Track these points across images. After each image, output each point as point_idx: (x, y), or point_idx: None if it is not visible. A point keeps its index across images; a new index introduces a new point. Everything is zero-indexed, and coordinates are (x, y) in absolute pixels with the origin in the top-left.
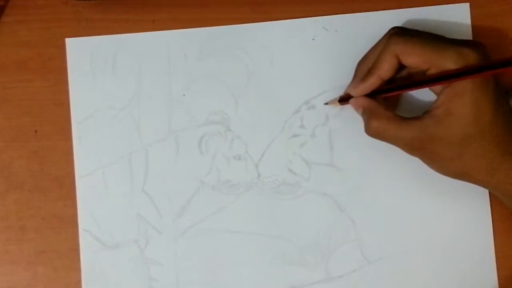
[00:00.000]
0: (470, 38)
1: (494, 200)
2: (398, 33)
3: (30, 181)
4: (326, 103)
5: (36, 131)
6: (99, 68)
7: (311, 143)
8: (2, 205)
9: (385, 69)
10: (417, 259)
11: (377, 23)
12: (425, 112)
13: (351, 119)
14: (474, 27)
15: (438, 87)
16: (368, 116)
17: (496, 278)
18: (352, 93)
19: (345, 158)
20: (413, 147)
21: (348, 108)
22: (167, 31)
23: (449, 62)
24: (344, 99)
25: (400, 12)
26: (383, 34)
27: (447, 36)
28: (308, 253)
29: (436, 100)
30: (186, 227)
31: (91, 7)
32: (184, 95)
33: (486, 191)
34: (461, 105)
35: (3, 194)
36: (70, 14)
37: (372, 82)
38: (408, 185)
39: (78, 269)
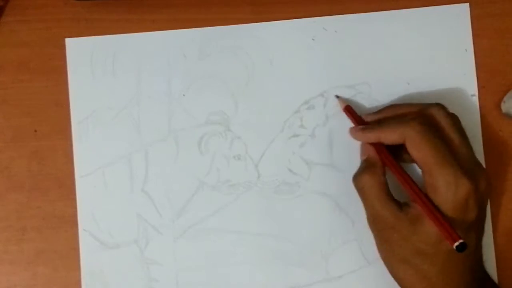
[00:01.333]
0: (470, 38)
1: (494, 201)
2: (424, 119)
3: (30, 181)
4: (337, 96)
5: (36, 131)
6: (99, 68)
7: (311, 143)
8: (2, 205)
9: (387, 137)
10: None
11: (376, 24)
12: (406, 203)
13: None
14: (474, 27)
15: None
16: (367, 167)
17: (496, 278)
18: (351, 132)
19: (344, 158)
20: (377, 223)
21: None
22: (167, 31)
23: (441, 182)
24: (349, 112)
25: (400, 12)
26: (383, 34)
27: (446, 37)
28: (307, 253)
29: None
30: (186, 227)
31: (91, 7)
32: (184, 95)
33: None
34: (431, 225)
35: (3, 194)
36: (70, 14)
37: (369, 136)
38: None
39: (78, 269)
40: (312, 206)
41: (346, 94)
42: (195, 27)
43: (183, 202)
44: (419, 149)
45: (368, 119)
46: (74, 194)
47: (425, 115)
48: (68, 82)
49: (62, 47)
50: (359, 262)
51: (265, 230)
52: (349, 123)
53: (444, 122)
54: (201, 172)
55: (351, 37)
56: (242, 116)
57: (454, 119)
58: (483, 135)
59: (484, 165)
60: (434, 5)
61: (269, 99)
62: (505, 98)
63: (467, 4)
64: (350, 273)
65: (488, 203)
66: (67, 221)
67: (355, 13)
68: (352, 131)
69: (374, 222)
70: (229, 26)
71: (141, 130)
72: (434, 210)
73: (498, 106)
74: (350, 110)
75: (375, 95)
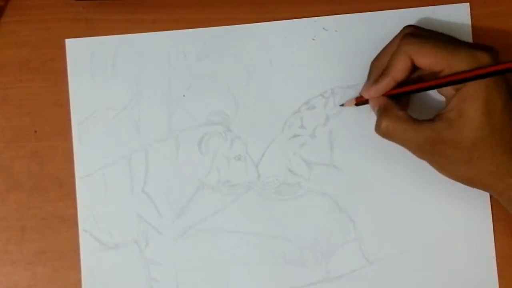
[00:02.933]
0: (470, 38)
1: (495, 201)
2: (412, 33)
3: (30, 181)
4: (342, 105)
5: (36, 131)
6: (99, 68)
7: (311, 144)
8: (2, 205)
9: (399, 70)
10: (417, 260)
11: (377, 24)
12: (436, 114)
13: (351, 119)
14: (474, 27)
15: (449, 91)
16: (381, 113)
17: (496, 278)
18: (365, 95)
19: (345, 158)
20: (422, 150)
21: (348, 108)
22: (167, 31)
23: (462, 63)
24: (360, 100)
25: (400, 12)
26: (383, 34)
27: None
28: (308, 253)
29: (448, 103)
30: (186, 227)
31: (91, 7)
32: (184, 95)
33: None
34: (473, 108)
35: (3, 194)
36: (70, 14)
37: (386, 83)
38: (409, 185)
39: (78, 269)
40: (313, 206)
41: (346, 94)
42: (195, 27)
43: (183, 202)
44: (427, 54)
45: (368, 86)
46: (74, 194)
47: (405, 33)
48: (68, 83)
49: (62, 47)
50: (359, 262)
51: (265, 230)
52: (349, 124)
53: (420, 29)
54: (201, 173)
55: (351, 37)
56: (242, 117)
57: (423, 28)
58: None
59: None
60: (434, 5)
61: (269, 99)
62: None
63: (467, 4)
64: (350, 273)
65: (489, 203)
66: (67, 221)
67: (356, 12)
68: (367, 92)
69: (420, 150)
70: (229, 26)
71: (141, 131)
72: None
73: None
74: (359, 98)
75: None
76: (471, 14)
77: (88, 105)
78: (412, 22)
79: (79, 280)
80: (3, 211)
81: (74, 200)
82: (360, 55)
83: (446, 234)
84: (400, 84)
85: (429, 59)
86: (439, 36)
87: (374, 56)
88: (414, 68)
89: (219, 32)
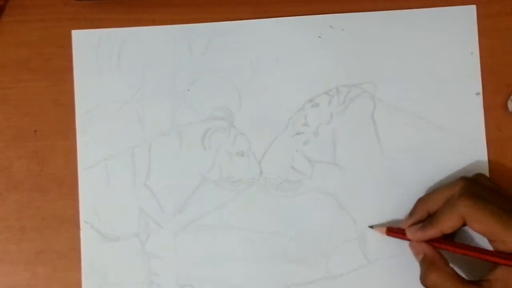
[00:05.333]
0: (476, 40)
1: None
2: (470, 192)
3: (30, 181)
4: (371, 227)
5: (36, 131)
6: (104, 61)
7: (314, 141)
8: (2, 205)
9: (448, 226)
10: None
11: (384, 23)
12: (483, 279)
13: (354, 118)
14: (478, 27)
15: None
16: (428, 266)
17: None
18: (409, 236)
19: (348, 157)
20: None
21: (352, 107)
22: (173, 25)
23: None
24: (393, 231)
25: (407, 12)
26: (389, 34)
27: (453, 38)
28: (308, 251)
29: (495, 270)
30: (187, 222)
31: (91, 7)
32: (188, 90)
33: None
34: None
35: (3, 194)
36: (70, 14)
37: (432, 234)
38: (409, 185)
39: (78, 269)
40: (314, 204)
41: (352, 92)
42: None
43: (185, 197)
44: (480, 221)
45: (407, 224)
46: (74, 194)
47: (463, 190)
48: (68, 82)
49: (62, 46)
50: (359, 261)
51: (266, 227)
52: (352, 122)
53: (479, 187)
54: (204, 168)
55: (357, 36)
56: (246, 113)
57: (482, 178)
58: (486, 135)
59: (487, 165)
60: (441, 6)
61: (273, 96)
62: None
63: (474, 6)
64: (350, 272)
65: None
66: (67, 221)
67: (362, 11)
68: (410, 234)
69: None
70: (235, 22)
71: (144, 124)
72: None
73: (501, 106)
74: (392, 229)
75: (380, 95)
76: (477, 16)
77: (92, 97)
78: (419, 23)
79: (79, 280)
80: (3, 211)
81: (74, 200)
82: (366, 54)
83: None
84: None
85: (481, 227)
86: (496, 200)
87: (379, 55)
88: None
89: (225, 27)
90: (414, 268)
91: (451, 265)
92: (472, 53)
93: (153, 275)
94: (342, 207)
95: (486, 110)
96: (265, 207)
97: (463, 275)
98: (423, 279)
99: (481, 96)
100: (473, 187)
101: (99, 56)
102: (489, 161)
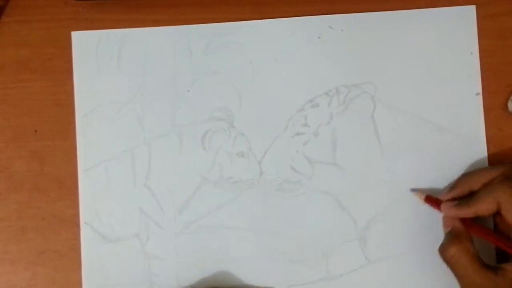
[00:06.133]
0: (476, 40)
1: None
2: (510, 181)
3: (30, 181)
4: (414, 190)
5: (36, 131)
6: (104, 62)
7: (314, 142)
8: (2, 205)
9: (483, 209)
10: (417, 260)
11: (383, 24)
12: (500, 267)
13: (354, 118)
14: (478, 27)
15: None
16: (452, 237)
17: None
18: (444, 210)
19: (348, 157)
20: None
21: (352, 107)
22: (173, 26)
23: None
24: (431, 200)
25: (407, 13)
26: (389, 35)
27: (452, 38)
28: (309, 251)
29: None
30: (187, 222)
31: (91, 7)
32: (188, 90)
33: None
34: None
35: (3, 194)
36: (70, 14)
37: (466, 213)
38: (410, 185)
39: (78, 269)
40: (314, 204)
41: (351, 93)
42: None
43: (185, 197)
44: None
45: (446, 197)
46: (74, 194)
47: (505, 176)
48: (68, 82)
49: (62, 47)
50: (360, 262)
51: (266, 228)
52: (352, 123)
53: None
54: (204, 168)
55: (357, 36)
56: (246, 113)
57: None
58: (486, 134)
59: (487, 165)
60: (441, 6)
61: (273, 96)
62: None
63: (474, 7)
64: (350, 272)
65: None
66: (67, 221)
67: (362, 12)
68: (445, 208)
69: None
70: (235, 23)
71: (144, 125)
72: None
73: (501, 106)
74: (430, 198)
75: (379, 95)
76: (477, 16)
77: (92, 98)
78: (418, 23)
79: (79, 280)
80: (3, 211)
81: (74, 200)
82: (366, 54)
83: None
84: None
85: None
86: None
87: (379, 55)
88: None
89: (225, 28)
90: (414, 268)
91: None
92: (472, 53)
93: (153, 276)
94: (342, 207)
95: (486, 110)
96: (265, 207)
97: (485, 259)
98: (443, 249)
99: (481, 96)
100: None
101: (99, 56)
102: (489, 161)
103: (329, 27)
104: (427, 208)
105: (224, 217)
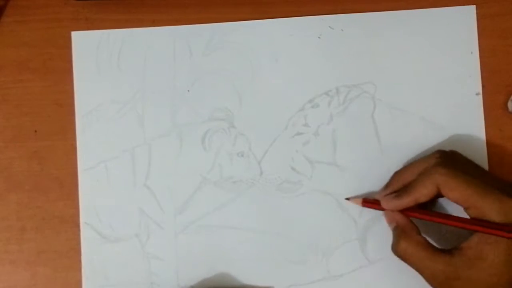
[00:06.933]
0: (476, 40)
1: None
2: (444, 162)
3: (30, 181)
4: (347, 198)
5: (36, 131)
6: (104, 62)
7: (315, 142)
8: (2, 205)
9: (423, 194)
10: None
11: (383, 24)
12: (456, 248)
13: (354, 118)
14: (478, 27)
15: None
16: (399, 234)
17: None
18: (384, 205)
19: (348, 158)
20: (436, 280)
21: (352, 107)
22: (173, 26)
23: (490, 210)
24: (369, 202)
25: (407, 13)
26: (389, 35)
27: (452, 38)
28: (308, 251)
29: (469, 239)
30: (187, 222)
31: (91, 7)
32: (188, 90)
33: None
34: (495, 253)
35: (3, 194)
36: (70, 14)
37: (407, 202)
38: None
39: (78, 269)
40: (314, 204)
41: (351, 93)
42: None
43: (185, 197)
44: (456, 189)
45: (383, 194)
46: (74, 194)
47: (439, 160)
48: (68, 82)
49: (62, 47)
50: (360, 262)
51: (266, 228)
52: (352, 123)
53: (454, 159)
54: (204, 168)
55: (357, 36)
56: (246, 113)
57: (456, 155)
58: (486, 134)
59: (487, 164)
60: (441, 6)
61: (273, 96)
62: None
63: (474, 7)
64: (350, 272)
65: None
66: (67, 221)
67: (362, 12)
68: (385, 203)
69: (434, 280)
70: (235, 23)
71: (145, 125)
72: (500, 225)
73: (501, 106)
74: (367, 200)
75: (380, 95)
76: (476, 16)
77: (92, 98)
78: (418, 23)
79: (79, 280)
80: (3, 211)
81: (74, 200)
82: (366, 54)
83: (446, 234)
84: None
85: (456, 195)
86: (471, 170)
87: (379, 56)
88: (439, 195)
89: (225, 28)
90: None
91: (425, 235)
92: (472, 53)
93: (154, 276)
94: (342, 208)
95: (486, 110)
96: (265, 207)
97: (437, 245)
98: (394, 247)
99: (481, 96)
100: (448, 158)
101: (99, 56)
102: (489, 161)
103: (329, 27)
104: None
105: (224, 217)
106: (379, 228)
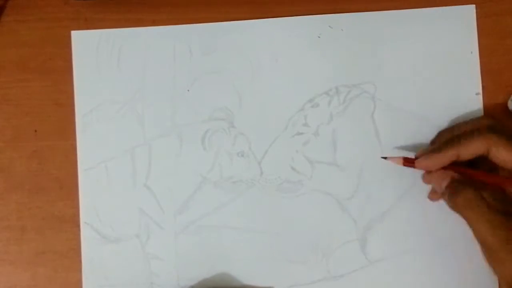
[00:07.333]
0: (476, 40)
1: None
2: (495, 126)
3: (30, 181)
4: (385, 157)
5: (36, 131)
6: (104, 61)
7: (315, 142)
8: (2, 205)
9: (469, 152)
10: (418, 260)
11: (383, 23)
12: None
13: (354, 118)
14: (478, 27)
15: None
16: (459, 184)
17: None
18: (422, 162)
19: (348, 157)
20: (497, 233)
21: (352, 107)
22: (173, 26)
23: None
24: (410, 161)
25: (407, 12)
26: (389, 34)
27: (452, 38)
28: (309, 251)
29: None
30: (187, 222)
31: (91, 7)
32: (188, 90)
33: None
34: None
35: (3, 194)
36: (70, 14)
37: (450, 156)
38: (410, 185)
39: (78, 269)
40: (315, 204)
41: (351, 93)
42: None
43: (185, 197)
44: (507, 149)
45: (430, 154)
46: (74, 194)
47: (491, 124)
48: (68, 82)
49: (62, 46)
50: (360, 262)
51: (266, 228)
52: (352, 123)
53: (503, 126)
54: (204, 168)
55: (357, 36)
56: (246, 113)
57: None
58: None
59: None
60: (441, 6)
61: (273, 96)
62: None
63: (473, 6)
64: (351, 272)
65: None
66: (67, 221)
67: (362, 11)
68: (424, 159)
69: (494, 233)
70: (235, 22)
71: (145, 125)
72: None
73: (501, 106)
74: (408, 160)
75: (380, 95)
76: (476, 15)
77: (92, 98)
78: (418, 23)
79: (79, 280)
80: (3, 211)
81: (74, 200)
82: (366, 54)
83: (447, 235)
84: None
85: (505, 155)
86: None
87: (379, 55)
88: (482, 158)
89: (225, 28)
90: (414, 269)
91: None
92: (472, 52)
93: (154, 276)
94: (343, 208)
95: (486, 110)
96: (266, 207)
97: None
98: (452, 199)
99: (481, 96)
100: (498, 124)
101: (99, 56)
102: None
103: (329, 27)
104: (427, 208)
105: (224, 217)
106: (379, 228)
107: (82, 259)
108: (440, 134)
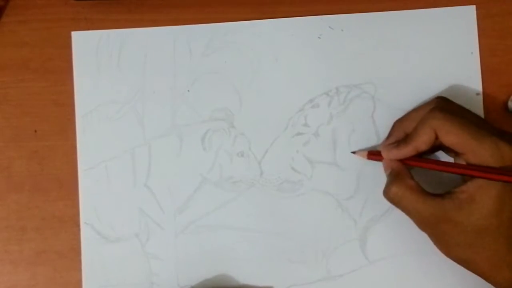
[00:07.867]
0: (476, 41)
1: None
2: (441, 107)
3: (30, 181)
4: (354, 152)
5: (36, 131)
6: (104, 62)
7: (315, 142)
8: (2, 205)
9: (422, 142)
10: (418, 260)
11: (383, 24)
12: (447, 192)
13: (354, 118)
14: (478, 27)
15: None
16: (392, 178)
17: None
18: (384, 155)
19: (348, 158)
20: (426, 224)
21: (352, 107)
22: (172, 26)
23: (485, 153)
24: (374, 154)
25: (407, 13)
26: (389, 35)
27: (452, 38)
28: (308, 251)
29: (462, 184)
30: (187, 222)
31: (91, 7)
32: (188, 90)
33: None
34: (486, 197)
35: (3, 194)
36: (70, 14)
37: (407, 151)
38: None
39: (78, 269)
40: (314, 204)
41: (351, 93)
42: None
43: (185, 197)
44: (452, 132)
45: (385, 144)
46: (74, 194)
47: (435, 105)
48: (68, 82)
49: (62, 47)
50: (360, 262)
51: (266, 228)
52: (352, 123)
53: (451, 104)
54: (204, 168)
55: (357, 36)
56: (246, 113)
57: (454, 103)
58: None
59: None
60: (441, 6)
61: (273, 96)
62: None
63: (473, 7)
64: (350, 272)
65: None
66: (67, 221)
67: (362, 12)
68: (386, 153)
69: (424, 223)
70: (235, 23)
71: (145, 125)
72: (498, 170)
73: (501, 106)
74: (373, 153)
75: (379, 95)
76: (476, 16)
77: (92, 98)
78: (419, 23)
79: (79, 280)
80: (3, 211)
81: (74, 200)
82: (366, 54)
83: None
84: (420, 154)
85: (452, 139)
86: (467, 116)
87: (379, 56)
88: (440, 146)
89: (225, 28)
90: (414, 269)
91: (421, 183)
92: (472, 53)
93: (154, 276)
94: (342, 208)
95: (486, 110)
96: (265, 207)
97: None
98: (386, 191)
99: (481, 96)
100: (445, 103)
101: (99, 56)
102: None
103: (329, 27)
104: None
105: (224, 217)
106: (379, 228)
107: (82, 259)
108: (395, 124)
